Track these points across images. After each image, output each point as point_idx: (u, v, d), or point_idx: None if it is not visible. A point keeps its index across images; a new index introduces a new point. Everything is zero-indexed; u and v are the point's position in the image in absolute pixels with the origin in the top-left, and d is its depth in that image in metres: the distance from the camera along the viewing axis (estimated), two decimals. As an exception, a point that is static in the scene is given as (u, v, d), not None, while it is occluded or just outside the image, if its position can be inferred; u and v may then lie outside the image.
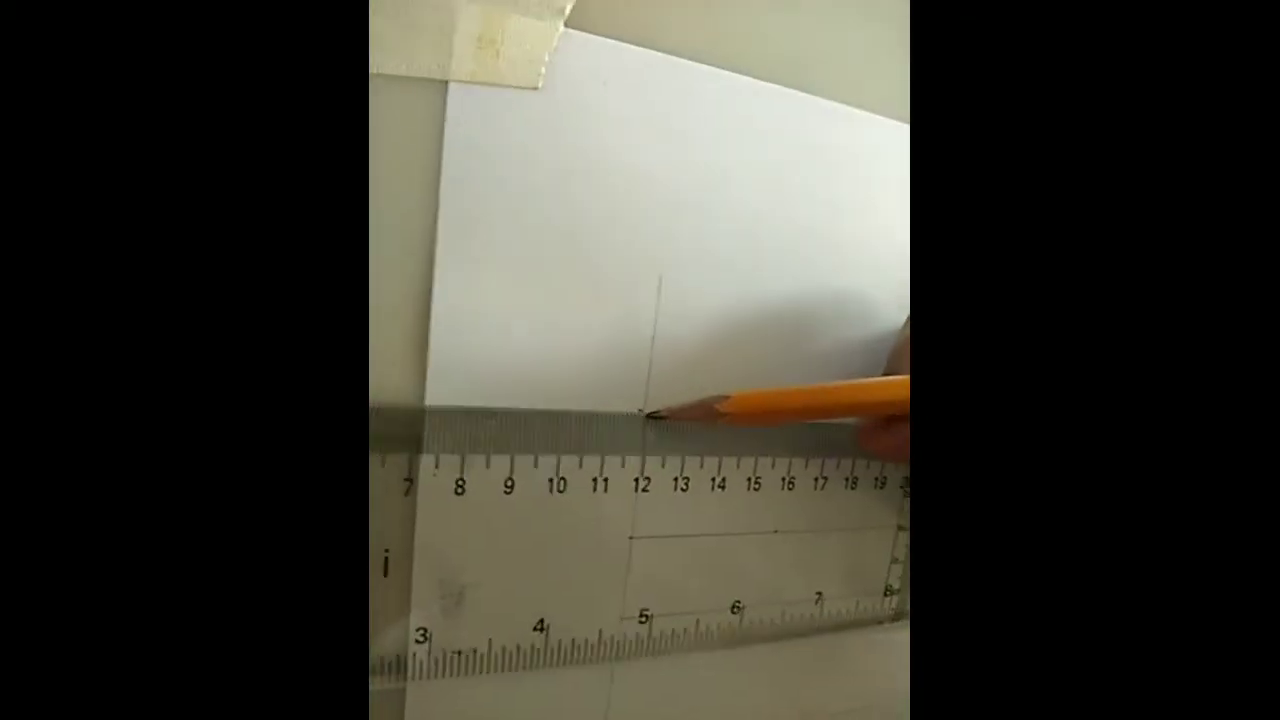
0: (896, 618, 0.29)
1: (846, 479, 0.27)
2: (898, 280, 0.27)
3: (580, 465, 0.22)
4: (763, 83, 0.23)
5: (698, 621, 0.25)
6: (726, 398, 0.21)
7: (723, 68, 0.23)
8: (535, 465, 0.21)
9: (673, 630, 0.24)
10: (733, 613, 0.25)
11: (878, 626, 0.29)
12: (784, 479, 0.25)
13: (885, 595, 0.29)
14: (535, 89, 0.20)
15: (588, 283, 0.22)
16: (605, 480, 0.22)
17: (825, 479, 0.26)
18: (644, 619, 0.24)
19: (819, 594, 0.27)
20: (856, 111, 0.25)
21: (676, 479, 0.24)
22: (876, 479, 0.27)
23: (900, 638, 0.30)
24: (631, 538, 0.23)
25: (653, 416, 0.23)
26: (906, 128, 0.26)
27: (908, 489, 0.28)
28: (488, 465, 0.21)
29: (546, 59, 0.20)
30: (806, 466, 0.26)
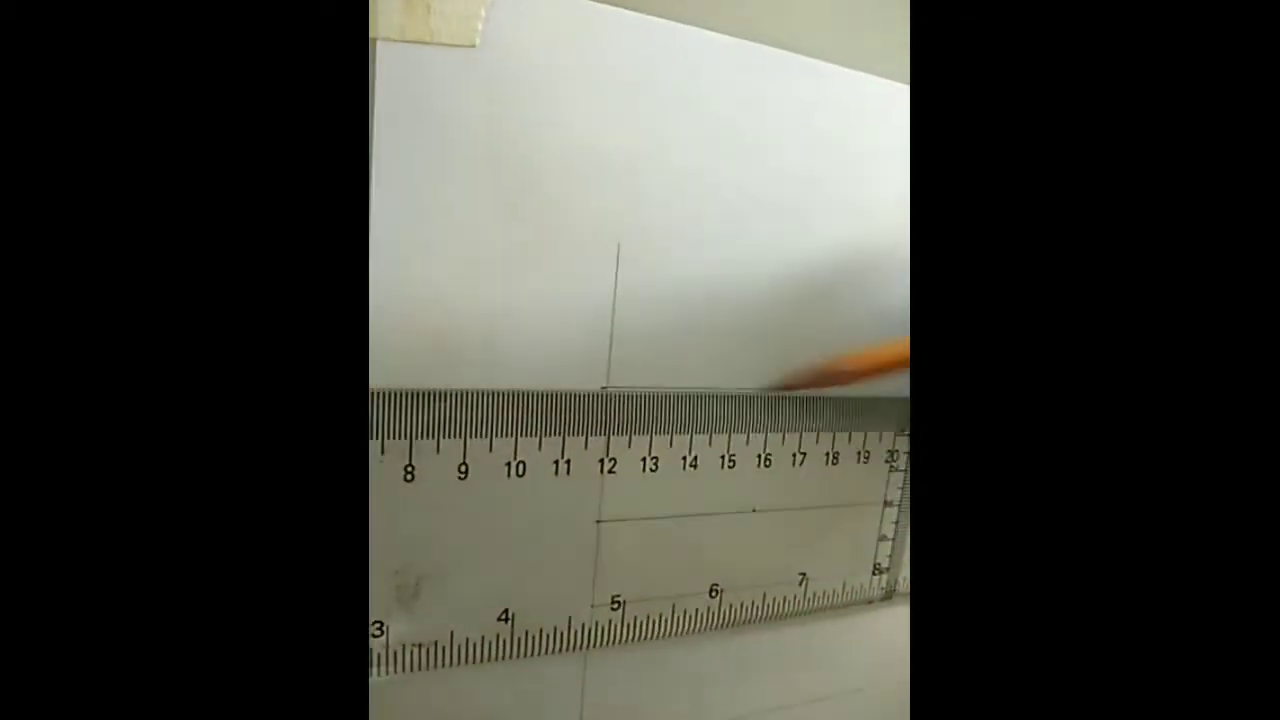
0: (887, 596, 0.28)
1: (827, 454, 0.26)
2: (867, 245, 0.25)
3: (540, 448, 0.21)
4: (720, 35, 0.22)
5: (673, 606, 0.24)
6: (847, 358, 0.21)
7: (677, 20, 0.21)
8: (491, 449, 0.20)
9: (647, 616, 0.23)
10: (711, 596, 0.24)
11: (867, 606, 0.28)
12: (760, 456, 0.24)
13: (875, 574, 0.28)
14: (472, 46, 0.19)
15: (539, 253, 0.20)
16: (568, 462, 0.21)
17: (804, 454, 0.25)
18: (616, 606, 0.23)
19: (802, 575, 0.26)
20: (824, 65, 0.24)
21: (645, 459, 0.22)
22: (859, 453, 0.26)
23: (891, 616, 0.29)
24: (599, 521, 0.22)
25: (774, 390, 0.23)
26: (876, 82, 0.25)
27: (893, 463, 0.27)
28: (438, 450, 0.20)
29: (483, 14, 0.19)
30: (784, 442, 0.25)
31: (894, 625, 0.29)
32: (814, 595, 0.26)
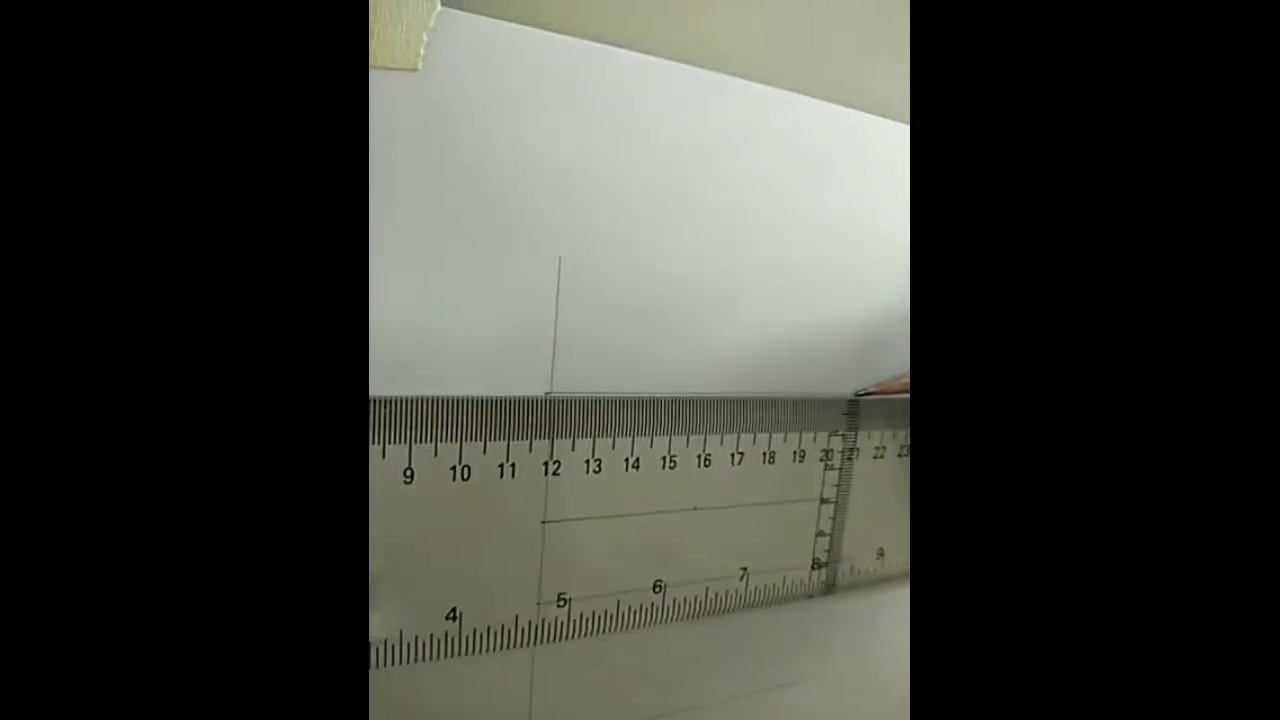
0: (827, 590, 0.30)
1: (764, 454, 0.27)
2: (812, 256, 0.27)
3: (484, 452, 0.22)
4: (653, 58, 0.23)
5: (618, 603, 0.25)
6: None
7: (611, 44, 0.23)
8: (435, 454, 0.21)
9: (593, 612, 0.24)
10: (654, 592, 0.25)
11: (808, 600, 0.29)
12: (700, 456, 0.25)
13: (814, 568, 0.29)
14: (415, 70, 0.20)
15: (482, 266, 0.21)
16: (513, 465, 0.22)
17: (741, 454, 0.26)
18: (562, 603, 0.24)
19: (743, 569, 0.27)
20: (754, 85, 0.25)
21: (588, 461, 0.23)
22: (795, 453, 0.28)
23: (830, 608, 0.30)
24: (544, 522, 0.23)
25: (860, 395, 0.26)
26: (809, 101, 0.26)
27: (828, 462, 0.28)
28: (383, 455, 0.20)
29: (425, 39, 0.20)
30: (722, 443, 0.26)
31: (833, 618, 0.30)
32: (755, 589, 0.28)
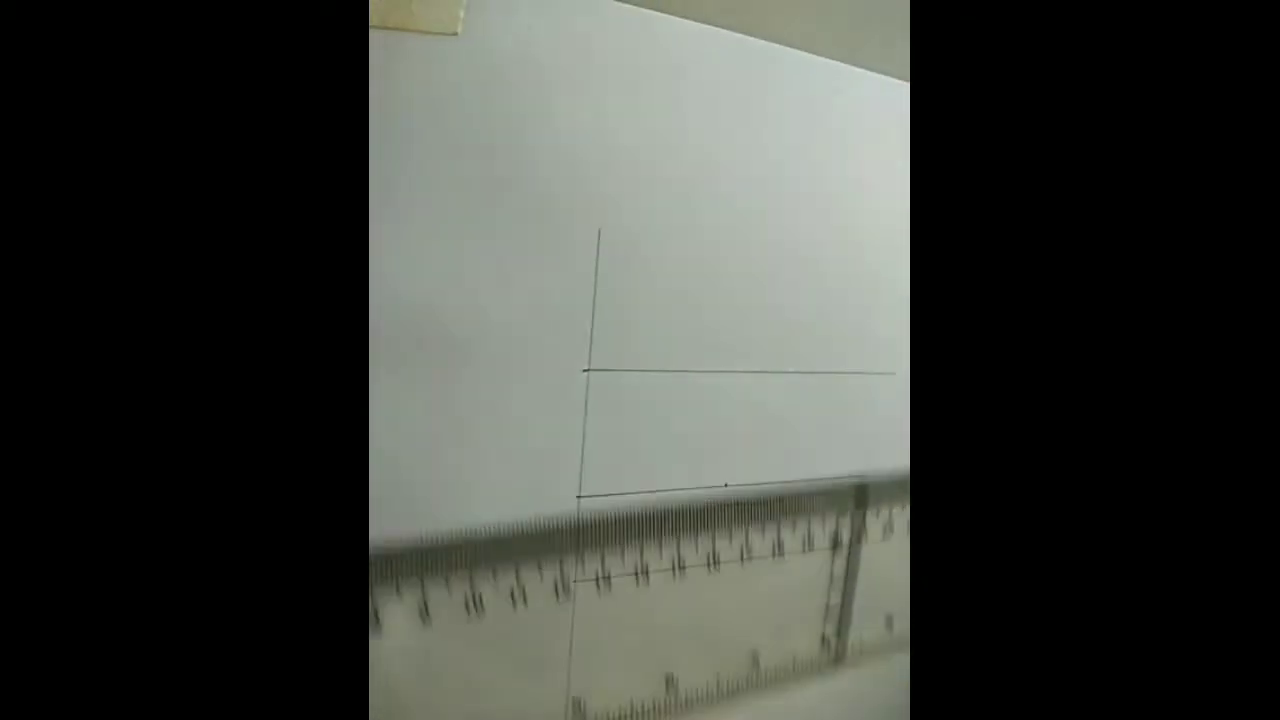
0: (835, 662, 0.30)
1: (774, 546, 0.27)
2: (854, 236, 0.27)
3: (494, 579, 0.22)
4: (701, 25, 0.23)
5: (630, 702, 0.25)
6: None
7: (657, 10, 0.22)
8: (449, 593, 0.21)
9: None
10: (667, 690, 0.26)
11: (818, 674, 0.30)
12: (710, 556, 0.26)
13: (823, 645, 0.30)
14: (455, 35, 0.19)
15: (521, 238, 0.21)
16: (523, 590, 0.22)
17: (750, 550, 0.26)
18: (578, 713, 0.24)
19: (754, 654, 0.28)
20: (808, 57, 0.25)
21: (598, 578, 0.24)
22: (804, 541, 0.28)
23: (838, 681, 0.31)
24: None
25: None
26: (861, 73, 0.26)
27: (837, 544, 0.29)
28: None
29: (465, 3, 0.19)
30: (730, 542, 0.26)
31: (842, 690, 0.31)
32: (766, 671, 0.28)
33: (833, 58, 0.25)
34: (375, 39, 0.18)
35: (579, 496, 0.23)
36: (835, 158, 0.26)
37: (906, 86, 0.27)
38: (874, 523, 0.30)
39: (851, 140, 0.27)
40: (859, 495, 0.29)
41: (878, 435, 0.29)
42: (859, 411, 0.29)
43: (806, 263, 0.27)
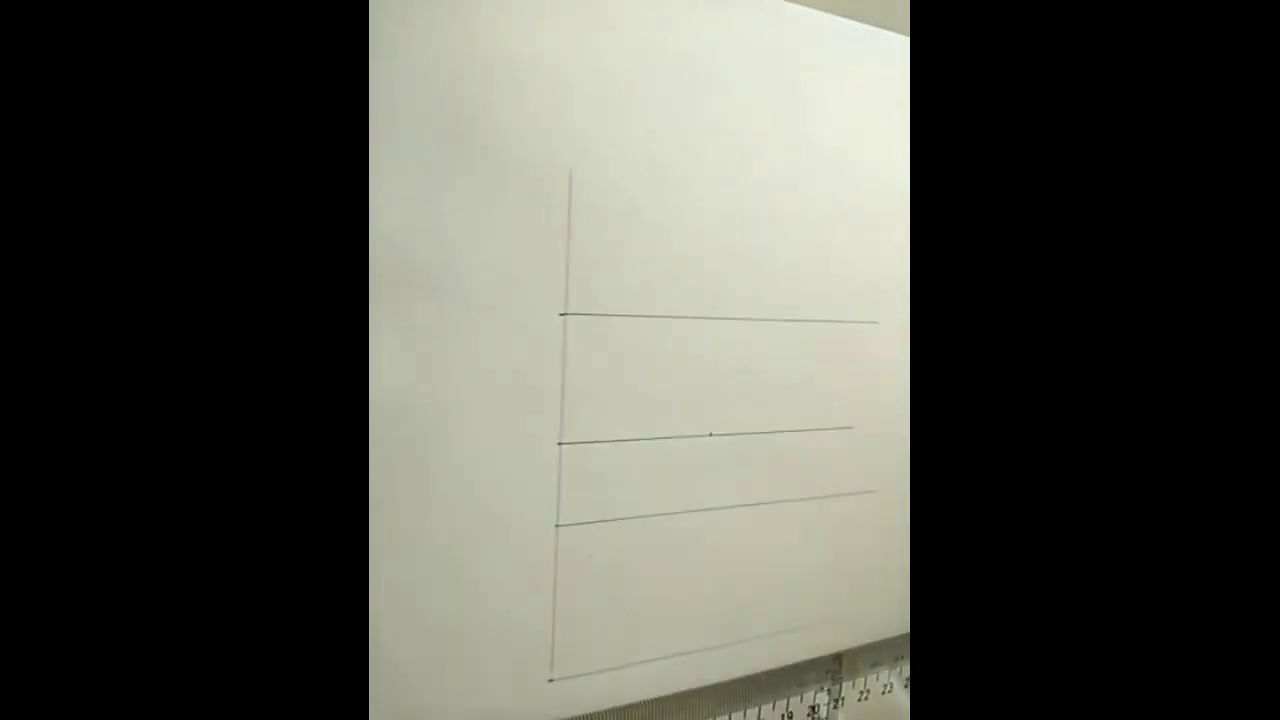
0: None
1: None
2: (842, 185, 0.28)
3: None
4: None
5: None
6: None
7: None
8: None
9: None
10: None
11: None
12: (696, 741, 0.29)
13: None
14: None
15: (491, 180, 0.22)
16: None
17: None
18: None
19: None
20: (785, 4, 0.27)
21: None
22: (784, 716, 0.31)
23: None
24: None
25: None
26: (846, 23, 0.28)
27: (815, 716, 0.32)
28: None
29: None
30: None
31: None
32: None
33: (816, 7, 0.26)
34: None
35: (560, 443, 0.25)
36: (815, 107, 0.28)
37: (894, 36, 0.28)
38: (850, 693, 0.33)
39: (831, 90, 0.28)
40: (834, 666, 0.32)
41: (863, 384, 0.30)
42: (845, 361, 0.30)
43: (790, 210, 0.28)
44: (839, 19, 0.28)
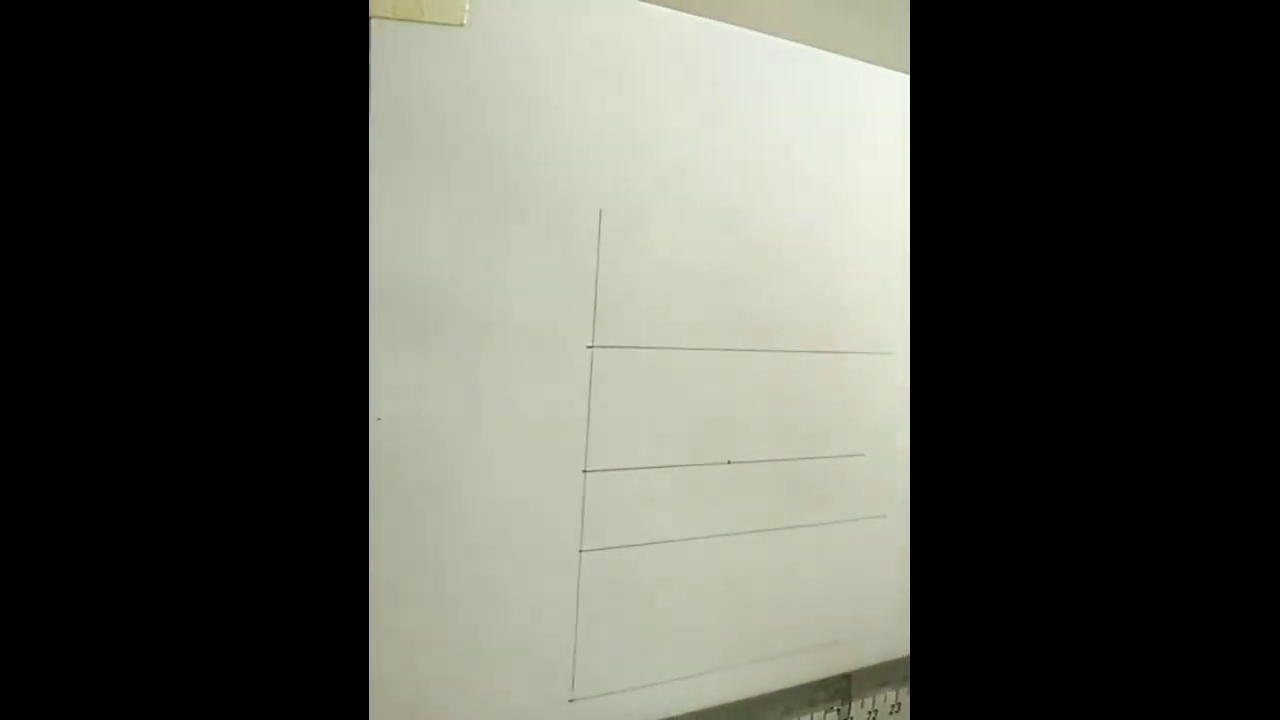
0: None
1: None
2: (852, 219, 0.30)
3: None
4: (694, 17, 0.26)
5: None
6: None
7: (658, 4, 0.25)
8: None
9: None
10: None
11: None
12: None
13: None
14: (460, 25, 0.22)
15: (526, 218, 0.24)
16: None
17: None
18: None
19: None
20: (794, 46, 0.28)
21: None
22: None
23: None
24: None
25: None
26: (853, 63, 0.29)
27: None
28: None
29: None
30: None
31: None
32: None
33: (825, 49, 0.28)
34: (385, 30, 0.20)
35: (585, 471, 0.26)
36: (831, 145, 0.29)
37: (899, 77, 0.29)
38: (859, 712, 0.33)
39: (847, 128, 0.29)
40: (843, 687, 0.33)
41: (876, 413, 0.32)
42: (858, 390, 0.31)
43: (809, 247, 0.29)
44: (865, 64, 0.30)
